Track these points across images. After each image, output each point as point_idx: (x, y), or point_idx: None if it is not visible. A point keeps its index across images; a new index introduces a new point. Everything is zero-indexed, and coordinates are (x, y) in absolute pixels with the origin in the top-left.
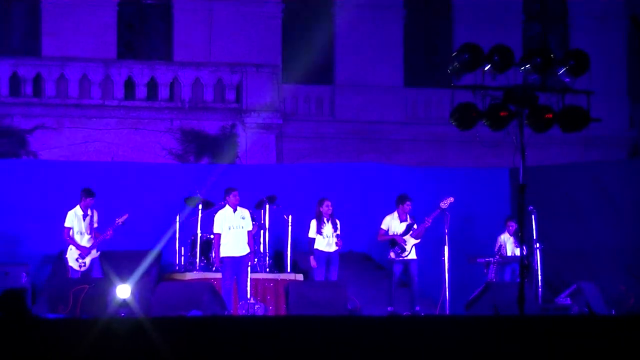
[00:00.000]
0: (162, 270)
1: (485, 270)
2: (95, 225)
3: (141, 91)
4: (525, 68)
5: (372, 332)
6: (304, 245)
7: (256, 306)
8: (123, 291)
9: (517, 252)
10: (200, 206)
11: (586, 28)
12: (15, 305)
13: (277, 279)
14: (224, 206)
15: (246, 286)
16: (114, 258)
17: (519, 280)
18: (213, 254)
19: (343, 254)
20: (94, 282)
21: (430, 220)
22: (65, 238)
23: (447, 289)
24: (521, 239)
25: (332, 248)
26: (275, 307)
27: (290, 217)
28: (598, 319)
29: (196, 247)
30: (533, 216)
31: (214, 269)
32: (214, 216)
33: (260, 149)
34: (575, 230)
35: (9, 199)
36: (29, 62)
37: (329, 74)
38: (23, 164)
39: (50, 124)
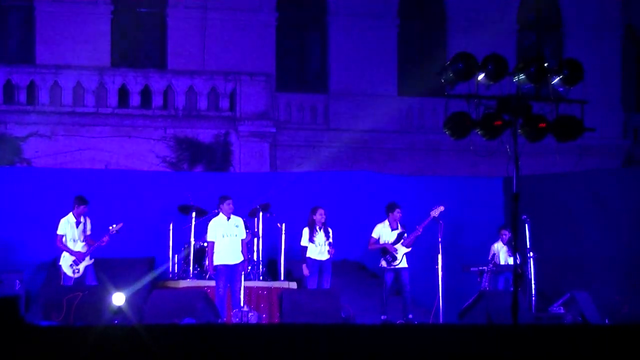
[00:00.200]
0: (156, 278)
1: (478, 279)
2: (89, 232)
3: (135, 99)
4: (519, 77)
5: (365, 341)
6: (297, 253)
7: (250, 314)
8: (118, 299)
9: (511, 261)
10: (194, 214)
11: (580, 38)
12: (9, 313)
13: (271, 287)
14: (217, 214)
15: (239, 294)
16: (107, 265)
17: (512, 289)
18: (207, 262)
19: (337, 263)
20: (88, 289)
21: (421, 229)
22: (58, 245)
23: (440, 298)
24: (515, 247)
25: (325, 256)
26: (268, 315)
27: (283, 225)
28: (591, 328)
29: (190, 255)
30: (527, 225)
31: (207, 276)
32: (208, 224)
33: (253, 157)
34: (568, 239)
35: (2, 206)
36: (23, 70)
37: (323, 83)
38: (17, 171)
39: (44, 131)
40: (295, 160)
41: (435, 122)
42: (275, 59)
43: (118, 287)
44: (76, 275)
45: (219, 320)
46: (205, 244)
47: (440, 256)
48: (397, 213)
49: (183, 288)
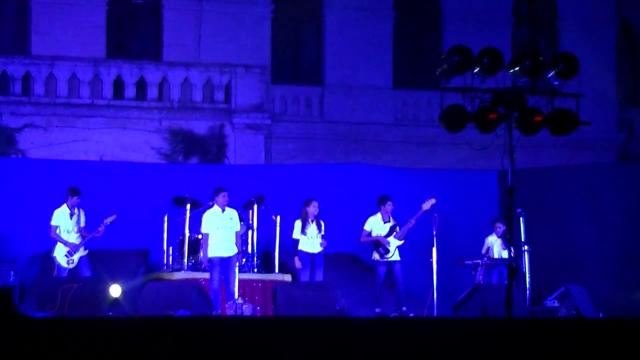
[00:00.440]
0: (150, 269)
1: (473, 272)
2: (83, 224)
3: (130, 91)
4: (514, 71)
5: (359, 333)
6: (291, 245)
7: (244, 306)
8: (114, 290)
9: (505, 254)
10: (188, 206)
11: (576, 31)
12: (3, 304)
13: (265, 280)
14: (212, 206)
15: (234, 286)
16: (101, 257)
17: (506, 282)
18: (201, 254)
19: (331, 255)
20: (82, 280)
21: (414, 221)
22: (52, 236)
23: (434, 291)
24: (509, 241)
25: (317, 249)
26: (263, 308)
27: (278, 217)
28: (586, 322)
29: (184, 247)
30: (521, 218)
31: (202, 268)
32: (202, 216)
33: (248, 150)
34: (563, 233)
35: None
36: (18, 61)
37: (318, 75)
38: (11, 162)
39: (39, 122)
40: (290, 153)
41: (430, 115)
42: (270, 51)
43: (113, 278)
44: (70, 266)
45: (213, 313)
46: (200, 236)
47: (434, 249)
48: (388, 206)
49: (177, 280)
